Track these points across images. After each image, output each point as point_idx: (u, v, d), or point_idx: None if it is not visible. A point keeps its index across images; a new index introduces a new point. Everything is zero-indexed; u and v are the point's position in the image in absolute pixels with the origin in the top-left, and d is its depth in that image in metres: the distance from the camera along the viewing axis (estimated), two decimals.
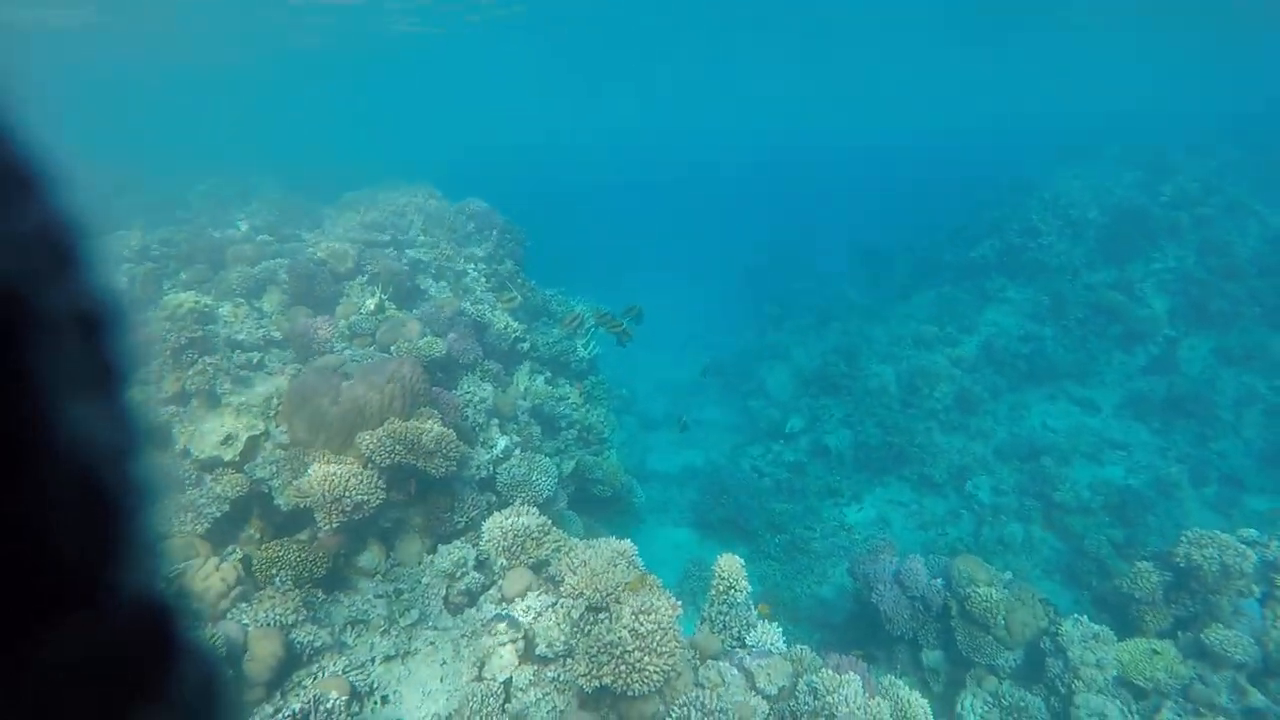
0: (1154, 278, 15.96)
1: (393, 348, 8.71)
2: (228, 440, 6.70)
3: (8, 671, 0.33)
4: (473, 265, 11.26)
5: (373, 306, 9.25)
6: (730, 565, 6.96)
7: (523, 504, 7.18)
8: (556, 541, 6.68)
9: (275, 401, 7.22)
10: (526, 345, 10.88)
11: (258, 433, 6.97)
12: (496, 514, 6.75)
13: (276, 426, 7.08)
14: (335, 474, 6.42)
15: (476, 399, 8.97)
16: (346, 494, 6.33)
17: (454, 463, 6.99)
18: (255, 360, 8.11)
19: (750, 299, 26.70)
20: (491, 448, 8.70)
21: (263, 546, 6.38)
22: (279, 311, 9.25)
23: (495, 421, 9.08)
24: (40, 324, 0.34)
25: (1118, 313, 15.60)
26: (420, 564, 7.02)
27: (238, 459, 6.76)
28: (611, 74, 34.43)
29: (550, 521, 6.85)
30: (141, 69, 29.92)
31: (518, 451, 9.09)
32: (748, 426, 17.90)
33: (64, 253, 0.37)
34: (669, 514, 14.73)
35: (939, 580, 8.57)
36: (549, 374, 11.40)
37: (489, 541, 6.55)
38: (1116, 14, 25.33)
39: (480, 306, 10.46)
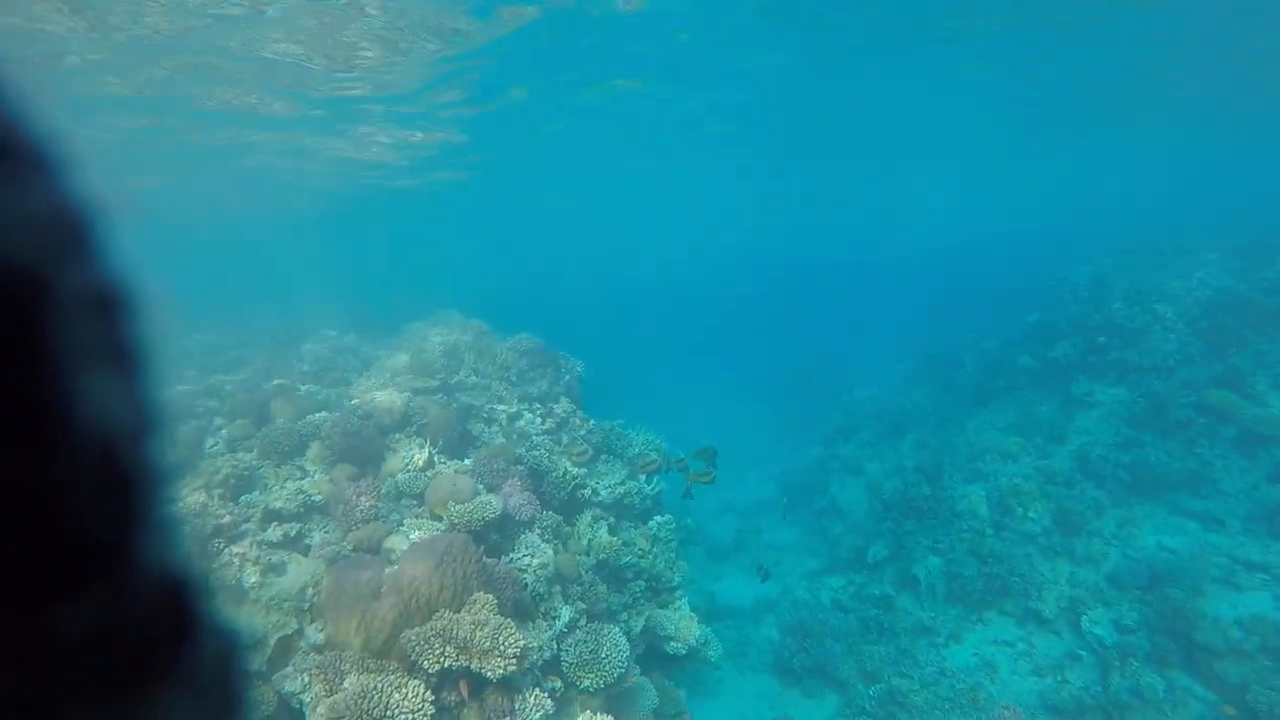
0: (1267, 371, 14.39)
1: (443, 514, 7.80)
2: (254, 646, 5.76)
3: (26, 642, 0.32)
4: (527, 406, 10.45)
5: (420, 462, 8.42)
6: None
7: (596, 716, 6.01)
8: None
9: (310, 592, 6.31)
10: (588, 492, 9.89)
11: (289, 632, 6.03)
12: None
13: (311, 623, 6.14)
14: (375, 687, 5.39)
15: (535, 564, 7.94)
16: (388, 714, 5.28)
17: (513, 661, 5.91)
18: (294, 533, 7.27)
19: (806, 407, 25.50)
20: (554, 619, 7.60)
21: None
22: (322, 470, 8.48)
23: (557, 588, 8.01)
24: (58, 304, 0.34)
25: (1229, 413, 14.00)
26: None
27: (265, 667, 5.80)
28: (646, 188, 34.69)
29: None
30: (205, 218, 31.11)
31: (583, 622, 7.97)
32: (823, 549, 16.46)
33: (79, 235, 0.36)
34: (746, 658, 13.25)
35: None
36: (612, 519, 10.35)
37: None
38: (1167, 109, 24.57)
39: (536, 453, 9.58)
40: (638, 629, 9.67)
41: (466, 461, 9.06)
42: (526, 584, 7.77)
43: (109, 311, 0.38)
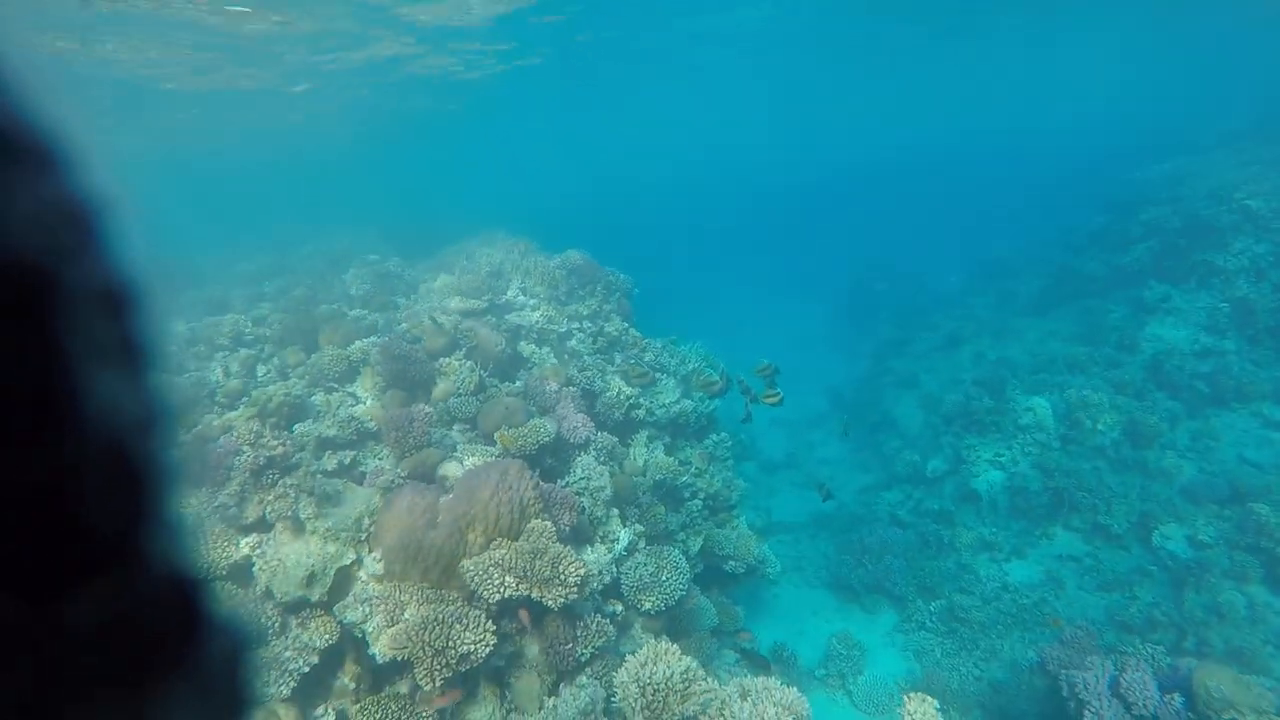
0: None
1: (496, 436, 7.54)
2: (313, 578, 5.62)
3: (34, 635, 0.32)
4: (577, 325, 10.07)
5: (472, 386, 8.14)
6: (922, 712, 5.37)
7: (658, 639, 5.78)
8: (705, 693, 5.26)
9: (367, 522, 6.13)
10: (642, 412, 9.57)
11: (348, 562, 5.88)
12: (630, 659, 5.39)
13: (370, 553, 5.98)
14: (436, 618, 5.22)
15: (593, 485, 7.68)
16: (450, 645, 5.12)
17: (574, 589, 5.69)
18: (348, 461, 7.09)
19: (861, 317, 24.70)
20: (613, 543, 7.39)
21: (358, 706, 5.23)
22: (374, 396, 8.27)
23: (615, 511, 7.77)
24: (67, 299, 0.34)
25: None
26: (541, 709, 5.74)
27: (326, 597, 5.68)
28: (703, 93, 33.09)
29: (695, 665, 5.43)
30: (240, 146, 30.71)
31: (642, 545, 7.75)
32: (877, 465, 16.08)
33: (87, 230, 0.36)
34: (803, 573, 13.11)
35: (1177, 698, 6.68)
36: (668, 439, 10.05)
37: (624, 699, 5.19)
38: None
39: (588, 373, 9.23)
40: (696, 548, 9.49)
41: (518, 383, 8.76)
42: (584, 508, 7.53)
43: (117, 307, 0.37)
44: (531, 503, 5.95)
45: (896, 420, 16.76)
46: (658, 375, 10.92)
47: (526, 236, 12.93)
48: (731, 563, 9.76)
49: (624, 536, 7.47)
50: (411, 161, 48.74)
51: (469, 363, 8.54)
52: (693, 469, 10.13)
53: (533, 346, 9.55)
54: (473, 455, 7.09)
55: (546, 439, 7.53)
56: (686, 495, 9.81)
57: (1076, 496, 11.99)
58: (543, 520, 5.97)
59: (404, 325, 9.04)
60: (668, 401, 10.07)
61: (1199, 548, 11.04)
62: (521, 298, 10.31)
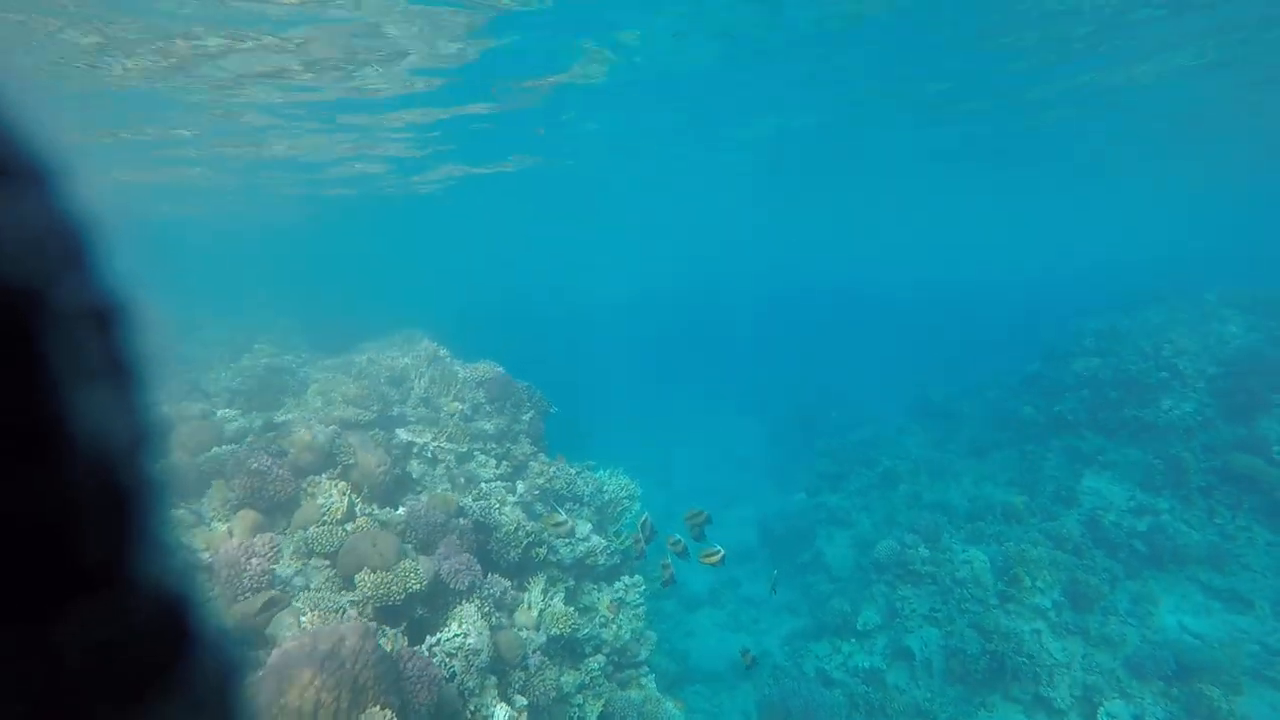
0: None
1: (356, 579, 6.20)
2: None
3: (25, 654, 0.32)
4: (481, 446, 8.89)
5: (339, 512, 6.83)
6: None
7: None
8: None
9: None
10: (543, 550, 8.30)
11: None
12: None
13: None
14: None
15: (469, 645, 6.33)
16: None
17: None
18: None
19: (797, 446, 23.97)
20: None
21: None
22: (222, 517, 6.88)
23: (492, 680, 6.39)
24: (54, 318, 0.34)
25: (1255, 480, 12.61)
26: None
27: None
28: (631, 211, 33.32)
29: None
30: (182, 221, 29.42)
31: None
32: (805, 608, 14.87)
33: (74, 250, 0.36)
34: None
35: None
36: (572, 582, 8.75)
37: None
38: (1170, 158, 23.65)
39: (485, 502, 8.00)
40: (594, 716, 8.05)
41: (400, 510, 7.47)
42: (455, 674, 6.16)
43: (105, 326, 0.37)
44: (370, 685, 4.62)
45: (828, 562, 15.69)
46: (568, 506, 9.72)
47: (447, 341, 11.90)
48: None
49: (500, 716, 6.07)
50: (346, 244, 47.61)
51: (341, 484, 7.25)
52: (599, 618, 8.81)
53: (425, 467, 8.31)
54: (314, 608, 5.73)
55: (417, 586, 6.22)
56: (589, 650, 8.44)
57: (1017, 662, 10.94)
58: (383, 710, 4.61)
59: (272, 433, 7.75)
60: (576, 538, 8.84)
61: None
62: (421, 410, 9.13)
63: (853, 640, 12.42)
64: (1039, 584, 11.94)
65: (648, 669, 9.05)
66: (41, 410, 0.33)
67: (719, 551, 7.52)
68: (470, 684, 6.08)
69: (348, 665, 4.51)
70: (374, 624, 5.32)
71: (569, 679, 8.06)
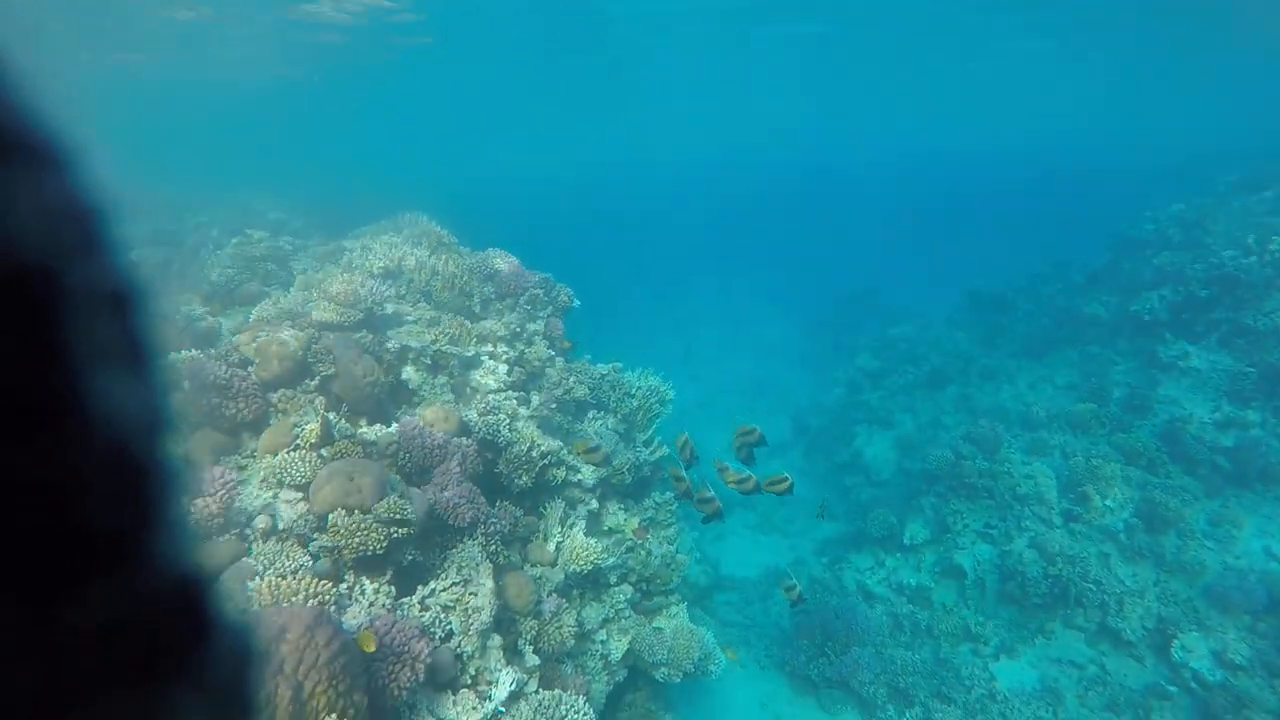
0: None
1: (332, 516, 5.00)
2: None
3: (39, 636, 0.32)
4: (489, 349, 7.52)
5: (315, 434, 5.56)
6: None
7: None
8: None
9: None
10: (561, 472, 7.07)
11: None
12: None
13: None
14: None
15: (468, 603, 5.17)
16: None
17: None
18: None
19: (838, 338, 22.44)
20: (486, 700, 4.89)
21: None
22: (179, 439, 5.63)
23: (496, 640, 5.26)
24: (71, 299, 0.33)
25: None
26: None
27: None
28: (677, 81, 30.39)
29: None
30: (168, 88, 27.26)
31: (534, 690, 5.27)
32: (843, 512, 13.83)
33: (90, 232, 0.36)
34: (751, 649, 10.76)
35: None
36: (595, 504, 7.57)
37: None
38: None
39: (493, 417, 6.71)
40: (619, 653, 7.04)
41: (393, 428, 6.21)
42: (452, 632, 5.04)
43: (121, 307, 0.37)
44: (322, 689, 3.41)
45: (868, 463, 14.53)
46: (591, 414, 8.45)
47: (455, 226, 10.36)
48: (663, 670, 7.35)
49: (504, 681, 4.97)
50: (351, 115, 44.93)
51: (318, 399, 5.95)
52: (624, 539, 7.70)
53: (423, 375, 6.99)
54: (271, 568, 4.53)
55: (404, 531, 5.00)
56: (614, 580, 7.36)
57: (1083, 588, 9.79)
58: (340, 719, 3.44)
59: (240, 337, 6.42)
60: (600, 457, 7.58)
61: (1230, 669, 8.91)
62: (422, 308, 7.72)
63: (898, 554, 11.34)
64: (1109, 503, 10.63)
65: (677, 598, 8.01)
66: (58, 389, 0.32)
67: (785, 480, 6.20)
68: (469, 646, 4.95)
69: (286, 669, 3.30)
70: (326, 608, 4.10)
71: (591, 612, 7.01)
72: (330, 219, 12.86)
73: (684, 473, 6.35)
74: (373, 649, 3.82)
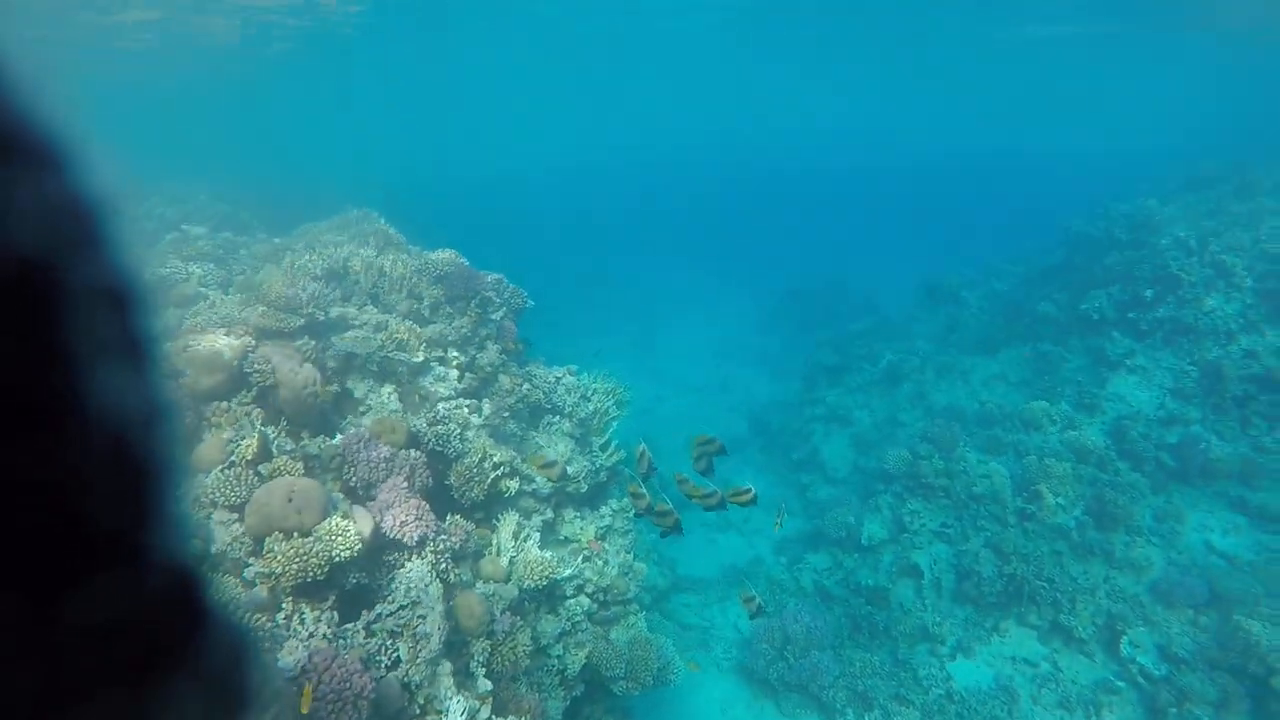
0: None
1: (268, 540, 4.69)
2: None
3: (38, 631, 0.32)
4: (438, 354, 7.22)
5: (252, 450, 5.23)
6: None
7: None
8: None
9: None
10: (515, 484, 6.83)
11: None
12: None
13: None
14: None
15: (415, 627, 4.92)
16: None
17: None
18: None
19: (794, 333, 22.50)
20: None
21: None
22: None
23: (446, 667, 5.02)
24: (71, 296, 0.34)
25: None
26: None
27: None
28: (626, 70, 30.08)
29: None
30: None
31: (486, 715, 5.04)
32: (799, 510, 13.83)
33: (90, 229, 0.36)
34: (710, 652, 10.68)
35: None
36: (550, 512, 7.36)
37: None
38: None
39: (444, 427, 6.43)
40: (576, 667, 6.86)
41: (336, 440, 5.90)
42: (399, 660, 4.78)
43: (120, 303, 0.37)
44: None
45: (825, 461, 14.55)
46: (546, 418, 8.21)
47: (404, 223, 10.00)
48: (622, 684, 7.18)
49: (455, 712, 4.74)
50: (302, 104, 43.60)
51: (256, 411, 5.61)
52: (581, 549, 7.50)
53: (369, 384, 6.67)
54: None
55: (347, 554, 4.71)
56: (569, 592, 7.16)
57: (1036, 587, 9.91)
58: None
59: (171, 345, 6.04)
60: (555, 461, 7.36)
61: (1173, 663, 9.10)
62: (370, 312, 7.38)
63: (855, 555, 11.35)
64: (1061, 501, 10.78)
65: (636, 607, 7.84)
66: (58, 388, 0.32)
67: (749, 491, 6.04)
68: (417, 676, 4.70)
69: None
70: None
71: (547, 626, 6.80)
72: (280, 213, 12.36)
73: (642, 488, 6.15)
74: (307, 710, 3.56)
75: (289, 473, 5.21)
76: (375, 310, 7.43)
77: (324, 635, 4.43)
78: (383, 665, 4.64)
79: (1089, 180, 26.56)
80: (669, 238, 38.02)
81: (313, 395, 5.95)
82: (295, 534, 4.69)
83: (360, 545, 4.82)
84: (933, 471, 11.22)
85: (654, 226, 40.20)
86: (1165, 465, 11.39)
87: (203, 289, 8.05)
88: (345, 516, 4.97)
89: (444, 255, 7.99)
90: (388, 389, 6.69)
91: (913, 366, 15.47)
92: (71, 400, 0.33)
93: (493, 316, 7.94)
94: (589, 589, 7.32)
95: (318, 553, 4.60)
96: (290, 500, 4.82)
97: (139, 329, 0.37)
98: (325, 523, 4.78)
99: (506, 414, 7.07)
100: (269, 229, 11.77)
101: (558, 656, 6.81)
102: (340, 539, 4.71)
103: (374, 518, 5.27)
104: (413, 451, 5.98)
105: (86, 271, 0.34)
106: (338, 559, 4.66)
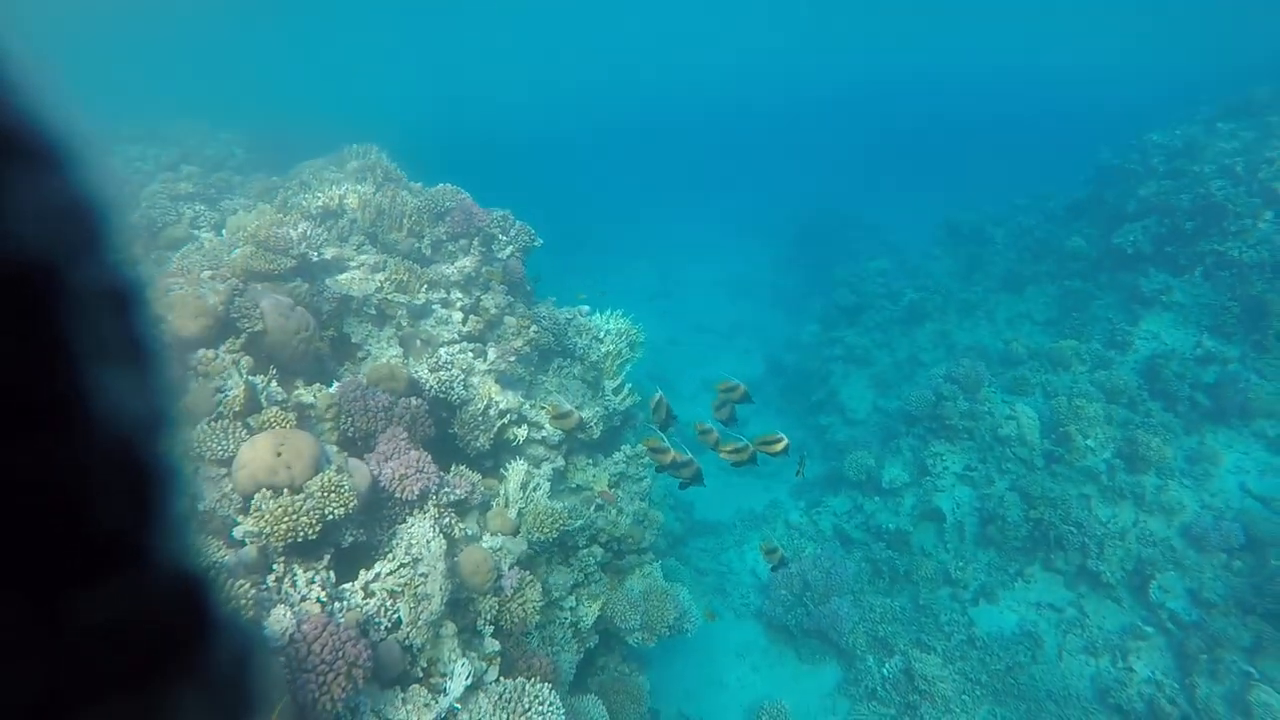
0: None
1: (256, 497, 4.36)
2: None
3: (43, 634, 0.32)
4: (441, 295, 6.78)
5: (239, 401, 4.87)
6: None
7: None
8: None
9: None
10: (523, 431, 6.46)
11: None
12: None
13: None
14: None
15: (417, 588, 4.60)
16: None
17: None
18: None
19: (812, 272, 21.79)
20: (440, 694, 4.38)
21: None
22: None
23: (449, 629, 4.72)
24: (73, 297, 0.33)
25: None
26: None
27: None
28: None
29: None
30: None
31: (493, 678, 4.77)
32: (818, 453, 13.51)
33: (93, 229, 0.36)
34: (727, 597, 10.48)
35: None
36: (560, 461, 7.01)
37: None
38: None
39: (446, 373, 6.03)
40: (590, 619, 6.61)
41: (333, 388, 5.53)
42: (400, 621, 4.48)
43: (123, 305, 0.36)
44: None
45: (844, 403, 14.14)
46: (556, 363, 7.81)
47: (408, 159, 9.43)
48: (638, 635, 6.94)
49: (460, 674, 4.46)
50: (311, 35, 42.09)
51: (245, 359, 5.23)
52: (594, 502, 7.17)
53: (367, 328, 6.26)
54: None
55: (340, 511, 4.37)
56: (582, 542, 6.87)
57: (1063, 531, 9.54)
58: None
59: (154, 289, 5.62)
60: (565, 409, 6.98)
61: (1205, 606, 8.77)
62: (366, 252, 6.93)
63: (876, 498, 11.02)
64: (1090, 443, 10.33)
65: (651, 556, 7.56)
66: (60, 388, 0.32)
67: (781, 440, 5.59)
68: (419, 638, 4.40)
69: None
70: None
71: (559, 578, 6.53)
72: (280, 152, 11.79)
73: (664, 441, 5.73)
74: None
75: (279, 424, 4.85)
76: (374, 250, 6.98)
77: (317, 598, 4.12)
78: (382, 628, 4.34)
79: (1110, 104, 25.29)
80: (683, 178, 36.87)
81: (305, 341, 5.55)
82: (285, 490, 4.34)
83: (355, 502, 4.48)
84: (957, 413, 10.77)
85: (667, 167, 39.00)
86: (1200, 405, 10.87)
87: (195, 231, 7.63)
88: (340, 470, 4.62)
89: (446, 190, 7.48)
90: (387, 333, 6.29)
91: (935, 305, 14.90)
92: (74, 401, 0.32)
93: (499, 255, 7.47)
94: (602, 538, 7.03)
95: (309, 510, 4.26)
96: (279, 454, 4.47)
97: (141, 329, 0.36)
98: (318, 478, 4.43)
99: (513, 358, 6.66)
100: (272, 169, 11.24)
101: (570, 609, 6.55)
102: (334, 495, 4.37)
103: (372, 471, 4.92)
104: (413, 399, 5.60)
105: (88, 271, 0.34)
106: (330, 517, 4.32)
